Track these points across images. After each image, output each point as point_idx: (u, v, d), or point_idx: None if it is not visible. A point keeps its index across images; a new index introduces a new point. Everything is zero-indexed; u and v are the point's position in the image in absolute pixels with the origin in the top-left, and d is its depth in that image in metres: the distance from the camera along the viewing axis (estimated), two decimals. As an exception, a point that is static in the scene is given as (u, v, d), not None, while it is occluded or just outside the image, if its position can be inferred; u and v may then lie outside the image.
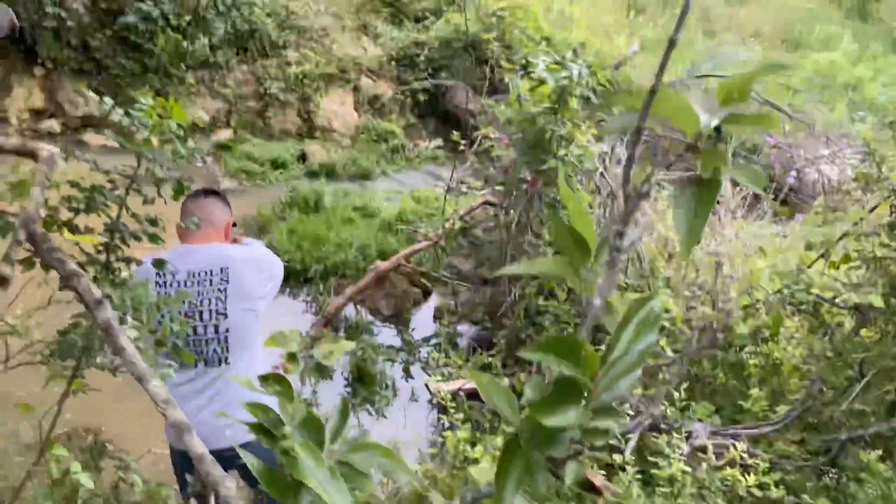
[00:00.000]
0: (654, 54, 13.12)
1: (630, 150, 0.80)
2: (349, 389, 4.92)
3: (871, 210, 2.58)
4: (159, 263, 1.97)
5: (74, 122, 9.07)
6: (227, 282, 2.48)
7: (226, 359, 2.46)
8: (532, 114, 4.41)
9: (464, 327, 5.73)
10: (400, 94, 10.23)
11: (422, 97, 10.22)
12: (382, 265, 5.70)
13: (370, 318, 5.81)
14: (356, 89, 10.14)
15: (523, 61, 5.09)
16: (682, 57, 14.53)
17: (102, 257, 1.71)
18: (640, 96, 0.73)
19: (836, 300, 2.63)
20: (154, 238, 1.64)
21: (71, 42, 9.18)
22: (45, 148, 0.83)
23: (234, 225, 2.90)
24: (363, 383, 4.95)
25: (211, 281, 2.48)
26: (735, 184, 6.16)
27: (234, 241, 2.84)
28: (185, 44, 9.27)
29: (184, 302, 2.04)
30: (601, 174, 5.14)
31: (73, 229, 1.77)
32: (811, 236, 4.52)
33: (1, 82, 8.85)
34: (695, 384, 3.69)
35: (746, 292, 3.41)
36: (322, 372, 5.28)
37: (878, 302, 2.14)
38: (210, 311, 2.45)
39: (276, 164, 8.72)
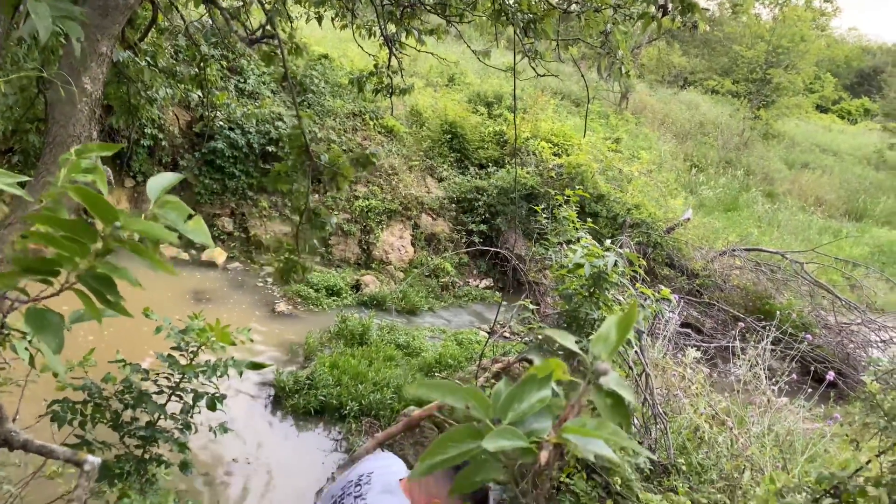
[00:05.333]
0: (709, 215, 13.35)
1: None
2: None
3: (880, 454, 2.60)
4: None
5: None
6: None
7: None
8: (569, 293, 4.61)
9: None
10: (456, 234, 10.67)
11: (477, 238, 10.63)
12: (415, 413, 5.79)
13: (396, 465, 5.84)
14: (416, 226, 10.64)
15: (567, 237, 5.38)
16: (741, 218, 14.73)
17: (139, 452, 1.93)
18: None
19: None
20: (182, 446, 1.86)
21: (162, 160, 10.07)
22: (89, 461, 1.04)
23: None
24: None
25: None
26: (772, 370, 6.14)
27: None
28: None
29: None
30: (636, 352, 5.22)
31: (120, 424, 1.99)
32: (840, 450, 4.45)
33: (95, 191, 9.73)
34: None
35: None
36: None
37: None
38: None
39: (331, 292, 9.10)
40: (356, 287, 9.48)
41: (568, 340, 0.58)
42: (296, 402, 6.23)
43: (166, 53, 8.30)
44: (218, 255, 9.51)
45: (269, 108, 10.55)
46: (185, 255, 9.41)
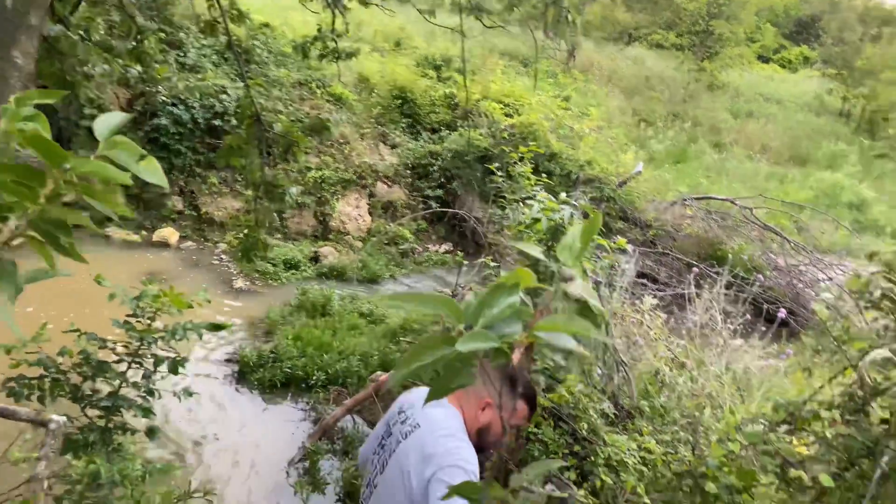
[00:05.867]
0: (659, 167, 13.57)
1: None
2: (341, 506, 4.95)
3: (831, 379, 2.72)
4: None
5: (100, 216, 9.50)
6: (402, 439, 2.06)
7: None
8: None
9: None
10: (413, 200, 10.63)
11: (434, 203, 10.62)
12: (382, 377, 5.82)
13: (367, 430, 5.88)
14: (371, 194, 10.56)
15: (524, 193, 5.41)
16: (690, 169, 15.00)
17: (102, 423, 1.90)
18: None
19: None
20: (146, 412, 1.83)
21: (105, 141, 9.74)
22: (54, 420, 1.02)
23: (486, 408, 2.00)
24: (356, 500, 4.99)
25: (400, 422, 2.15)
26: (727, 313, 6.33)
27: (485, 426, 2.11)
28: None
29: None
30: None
31: (81, 397, 1.95)
32: (792, 383, 4.64)
33: (36, 176, 9.37)
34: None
35: (724, 439, 3.50)
36: (316, 486, 5.29)
37: (828, 482, 2.24)
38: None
39: (290, 265, 9.01)
40: (315, 259, 9.40)
41: (534, 250, 0.59)
42: (261, 375, 6.19)
43: (100, 28, 7.98)
44: (170, 234, 9.31)
45: (212, 81, 10.27)
46: (135, 237, 9.19)
